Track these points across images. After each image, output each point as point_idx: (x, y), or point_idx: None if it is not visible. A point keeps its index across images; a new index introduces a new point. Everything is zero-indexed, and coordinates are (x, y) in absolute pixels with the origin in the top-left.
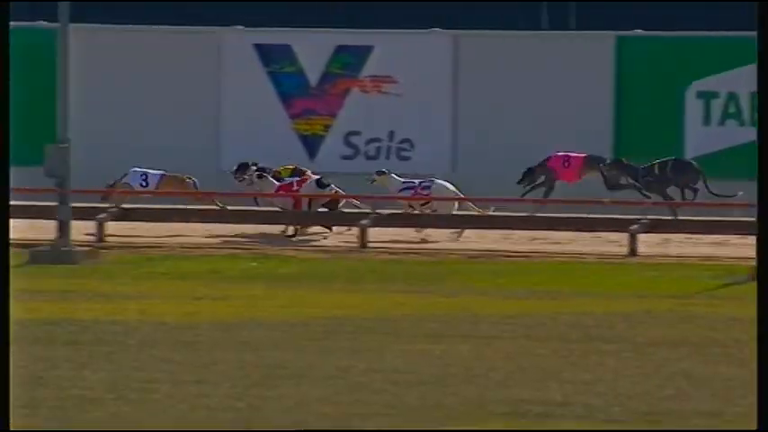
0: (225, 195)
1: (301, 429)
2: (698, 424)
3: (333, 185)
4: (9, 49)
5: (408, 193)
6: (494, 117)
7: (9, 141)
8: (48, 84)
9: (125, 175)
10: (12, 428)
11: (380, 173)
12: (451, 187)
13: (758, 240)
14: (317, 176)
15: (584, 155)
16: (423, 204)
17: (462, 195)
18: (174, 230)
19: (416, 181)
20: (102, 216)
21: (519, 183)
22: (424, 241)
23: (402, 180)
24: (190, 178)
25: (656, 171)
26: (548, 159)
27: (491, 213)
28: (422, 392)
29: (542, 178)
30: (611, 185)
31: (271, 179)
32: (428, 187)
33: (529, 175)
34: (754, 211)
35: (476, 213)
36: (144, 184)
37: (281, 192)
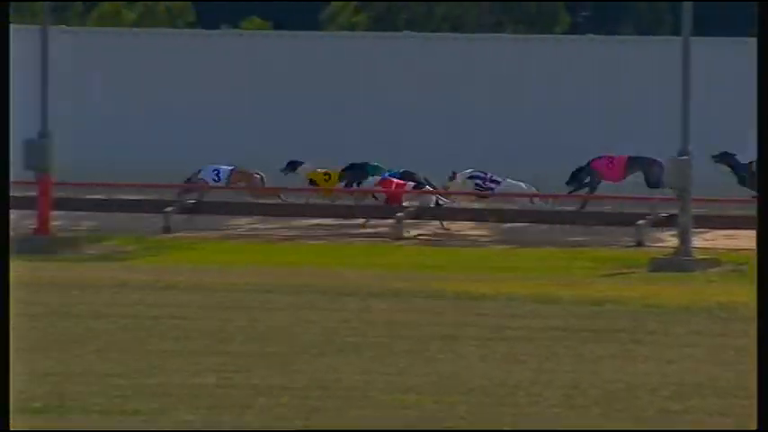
0: (289, 191)
1: (308, 429)
2: None
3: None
4: (9, 49)
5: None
6: None
7: (9, 141)
8: None
9: (199, 171)
10: (12, 428)
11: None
12: (524, 186)
13: (758, 239)
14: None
15: (626, 155)
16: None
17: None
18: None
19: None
20: None
21: (567, 184)
22: None
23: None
24: (258, 173)
25: (754, 169)
26: (592, 161)
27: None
28: None
29: (587, 179)
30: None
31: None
32: (498, 182)
33: (577, 175)
34: None
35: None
36: (216, 179)
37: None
